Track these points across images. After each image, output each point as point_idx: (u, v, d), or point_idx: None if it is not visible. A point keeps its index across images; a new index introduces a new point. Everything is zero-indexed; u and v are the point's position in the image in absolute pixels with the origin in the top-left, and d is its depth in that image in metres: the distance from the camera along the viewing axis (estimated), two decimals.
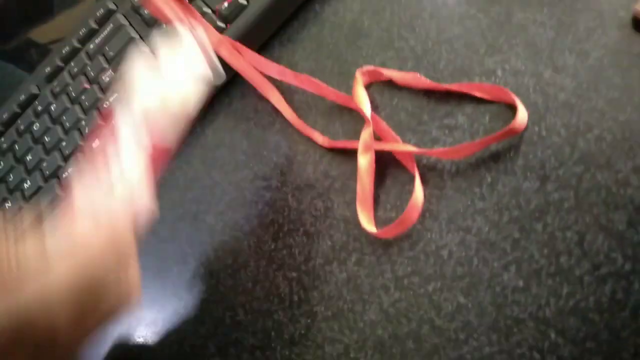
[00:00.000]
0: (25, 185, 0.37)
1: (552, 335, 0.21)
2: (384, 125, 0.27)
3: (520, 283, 0.22)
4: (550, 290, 0.22)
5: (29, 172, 0.37)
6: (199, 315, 0.29)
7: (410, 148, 0.26)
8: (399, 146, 0.27)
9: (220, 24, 0.33)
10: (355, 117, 0.29)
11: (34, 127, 0.39)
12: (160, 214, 0.32)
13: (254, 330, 0.28)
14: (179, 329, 0.30)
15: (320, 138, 0.29)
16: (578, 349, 0.21)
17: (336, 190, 0.28)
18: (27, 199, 0.36)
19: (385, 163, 0.27)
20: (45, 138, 0.38)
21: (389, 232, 0.25)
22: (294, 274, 0.28)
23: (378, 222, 0.26)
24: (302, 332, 0.26)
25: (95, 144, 0.33)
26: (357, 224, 0.27)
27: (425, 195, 0.26)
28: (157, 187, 0.24)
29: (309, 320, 0.26)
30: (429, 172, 0.26)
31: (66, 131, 0.37)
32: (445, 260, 0.24)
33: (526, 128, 0.24)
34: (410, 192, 0.25)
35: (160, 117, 0.23)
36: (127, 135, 0.23)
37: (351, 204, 0.27)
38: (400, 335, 0.24)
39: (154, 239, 0.32)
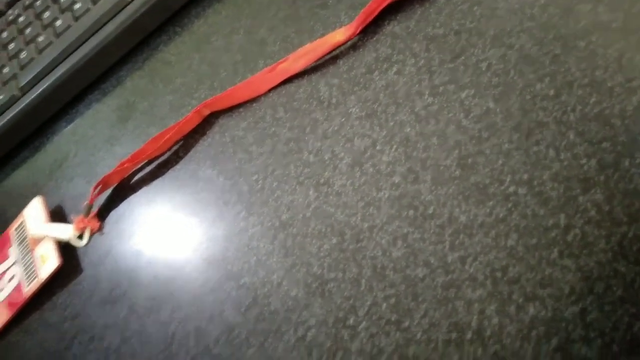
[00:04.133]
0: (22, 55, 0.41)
1: (571, 136, 0.22)
2: None
3: (552, 92, 0.24)
4: (579, 99, 0.23)
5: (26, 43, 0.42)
6: None
7: None
8: None
9: None
10: None
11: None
12: None
13: (290, 126, 0.30)
14: None
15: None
16: (593, 148, 0.22)
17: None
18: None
19: None
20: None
21: None
22: (336, 81, 0.29)
23: None
24: (335, 128, 0.28)
25: None
26: (405, 39, 0.28)
27: (475, 15, 0.26)
28: None
29: (342, 119, 0.28)
30: None
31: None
32: (483, 71, 0.25)
33: None
34: None
35: None
36: None
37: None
38: (426, 133, 0.26)
39: None
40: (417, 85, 0.27)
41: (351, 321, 0.24)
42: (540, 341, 0.20)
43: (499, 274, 0.22)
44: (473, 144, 0.24)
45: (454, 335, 0.22)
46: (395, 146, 0.26)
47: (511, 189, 0.23)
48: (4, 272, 0.37)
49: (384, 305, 0.23)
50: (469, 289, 0.22)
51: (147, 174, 0.35)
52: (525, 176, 0.23)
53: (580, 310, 0.20)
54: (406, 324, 0.23)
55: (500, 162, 0.23)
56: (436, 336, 0.22)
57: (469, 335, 0.21)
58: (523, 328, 0.20)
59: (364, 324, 0.24)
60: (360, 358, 0.23)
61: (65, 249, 0.35)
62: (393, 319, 0.23)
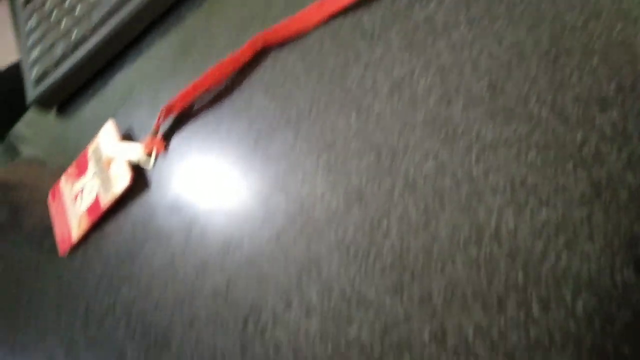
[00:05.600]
0: None
1: (595, 61, 0.24)
2: None
3: (580, 23, 0.25)
4: (605, 27, 0.25)
5: None
6: None
7: None
8: None
9: None
10: None
11: None
12: None
13: (336, 56, 0.33)
14: None
15: None
16: (613, 72, 0.24)
17: None
18: None
19: None
20: None
21: None
22: (379, 13, 0.32)
23: None
24: (377, 58, 0.31)
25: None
26: None
27: None
28: None
29: (384, 50, 0.31)
30: None
31: None
32: (517, 3, 0.27)
33: None
34: None
35: None
36: None
37: None
38: (460, 61, 0.28)
39: None
40: (454, 17, 0.29)
41: (384, 225, 0.27)
42: (550, 238, 0.23)
43: (517, 184, 0.24)
44: (503, 70, 0.27)
45: (474, 235, 0.25)
46: (431, 73, 0.29)
47: (535, 109, 0.25)
48: (84, 186, 0.43)
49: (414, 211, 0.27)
50: (490, 196, 0.25)
51: (206, 102, 0.38)
52: (549, 97, 0.25)
53: (587, 214, 0.22)
54: (432, 226, 0.26)
55: (527, 86, 0.26)
56: (458, 235, 0.25)
57: (487, 235, 0.24)
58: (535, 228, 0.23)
59: (395, 229, 0.27)
60: (391, 255, 0.27)
61: (135, 167, 0.40)
62: (422, 222, 0.26)
